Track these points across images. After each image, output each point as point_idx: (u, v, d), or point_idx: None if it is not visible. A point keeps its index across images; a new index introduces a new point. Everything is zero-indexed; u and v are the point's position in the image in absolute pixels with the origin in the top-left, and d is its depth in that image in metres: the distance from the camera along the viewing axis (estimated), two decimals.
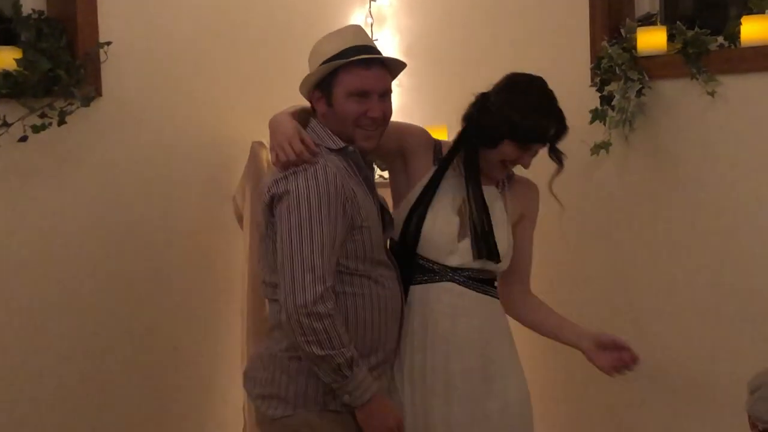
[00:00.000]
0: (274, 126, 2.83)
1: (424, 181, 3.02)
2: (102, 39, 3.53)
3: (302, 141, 2.74)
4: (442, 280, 3.00)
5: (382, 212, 2.91)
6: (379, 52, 2.85)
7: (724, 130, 3.51)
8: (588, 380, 3.94)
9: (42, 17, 3.50)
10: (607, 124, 3.66)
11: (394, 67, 2.89)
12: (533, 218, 3.20)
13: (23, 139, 3.38)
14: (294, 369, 2.77)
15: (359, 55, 2.76)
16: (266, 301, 3.00)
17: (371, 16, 4.21)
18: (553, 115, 3.00)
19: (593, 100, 3.69)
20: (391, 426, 2.78)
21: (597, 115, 3.68)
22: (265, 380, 2.82)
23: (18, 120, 3.36)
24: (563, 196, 3.90)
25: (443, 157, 3.03)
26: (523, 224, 3.18)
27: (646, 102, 3.62)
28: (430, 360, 2.97)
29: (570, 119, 3.77)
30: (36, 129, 3.38)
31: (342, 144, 2.80)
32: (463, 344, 2.99)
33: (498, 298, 3.11)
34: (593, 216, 3.87)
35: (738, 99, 3.46)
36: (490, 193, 3.05)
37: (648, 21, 3.69)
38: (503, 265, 3.07)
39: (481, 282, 3.05)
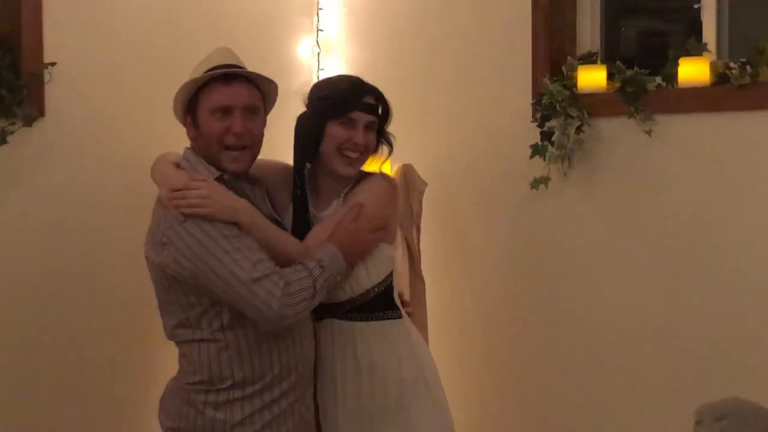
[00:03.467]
0: (160, 178, 2.79)
1: (289, 219, 2.95)
2: (47, 59, 3.52)
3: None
4: (322, 318, 2.95)
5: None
6: (244, 70, 2.81)
7: (661, 168, 3.58)
8: (518, 419, 3.98)
9: None
10: (546, 160, 3.72)
11: (264, 86, 2.86)
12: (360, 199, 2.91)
13: None
14: (201, 401, 2.76)
15: (217, 72, 2.75)
16: None
17: (318, 46, 4.25)
18: (365, 85, 2.95)
19: (534, 135, 3.75)
20: (366, 239, 2.82)
21: (537, 150, 3.73)
22: (173, 412, 2.81)
23: None
24: (503, 227, 3.98)
25: (293, 196, 2.95)
26: None
27: (585, 138, 3.68)
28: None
29: (511, 153, 3.87)
30: None
31: (217, 173, 2.78)
32: (354, 379, 2.95)
33: (390, 318, 3.00)
34: (532, 248, 3.92)
35: (674, 138, 3.54)
36: (332, 210, 2.95)
37: (589, 59, 3.75)
38: (353, 289, 2.93)
39: (360, 309, 2.95)
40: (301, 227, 2.92)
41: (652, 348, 3.62)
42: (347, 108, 2.89)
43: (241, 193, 2.80)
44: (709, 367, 3.49)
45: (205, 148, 2.79)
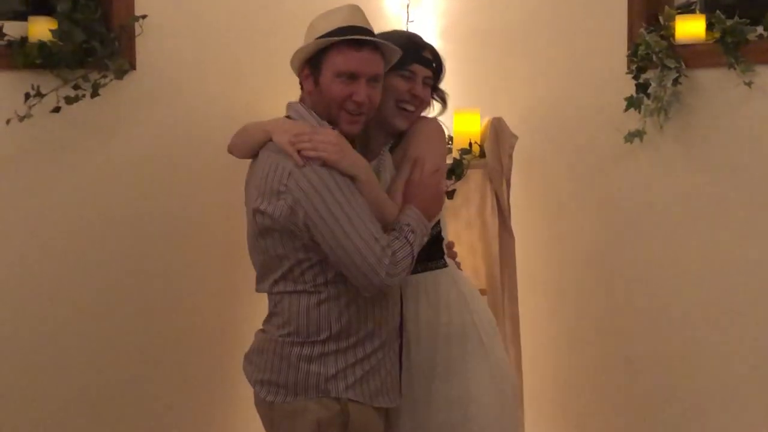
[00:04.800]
0: (274, 127, 2.77)
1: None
2: (137, 12, 3.54)
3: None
4: None
5: None
6: (373, 35, 2.78)
7: (761, 121, 3.49)
8: (609, 370, 3.94)
9: None
10: (642, 112, 3.63)
11: (388, 54, 2.83)
12: (408, 149, 2.92)
13: (56, 110, 3.39)
14: (294, 354, 2.75)
15: (352, 35, 2.71)
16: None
17: None
18: (423, 40, 2.98)
19: (629, 87, 3.66)
20: (439, 192, 2.84)
21: (632, 103, 3.65)
22: (264, 365, 2.81)
23: (52, 91, 3.37)
24: (596, 182, 3.90)
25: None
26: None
27: (682, 91, 3.59)
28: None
29: (605, 106, 3.79)
30: (69, 100, 3.39)
31: (329, 126, 2.75)
32: (411, 333, 2.94)
33: (437, 268, 2.98)
34: (625, 203, 3.85)
35: None
36: (384, 159, 2.94)
37: (687, 9, 3.66)
38: None
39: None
40: None
41: (751, 303, 3.53)
42: (407, 60, 2.88)
43: None
44: None
45: (322, 105, 2.77)
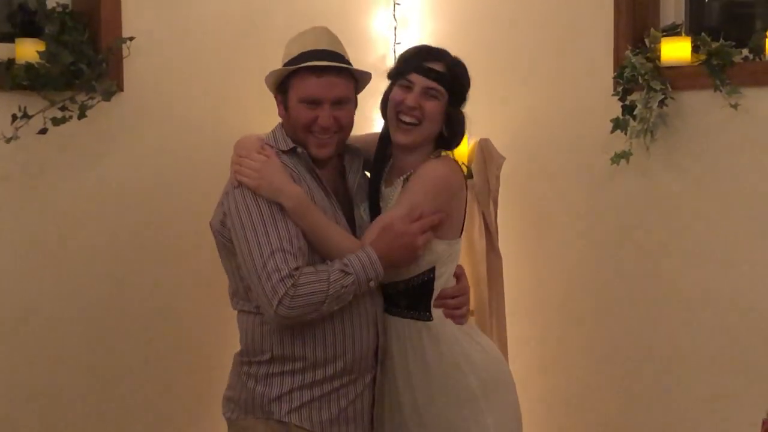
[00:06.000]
0: (237, 143, 2.82)
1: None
2: (125, 34, 3.54)
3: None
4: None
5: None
6: (340, 59, 2.77)
7: (747, 143, 3.49)
8: (598, 393, 3.94)
9: (66, 11, 3.50)
10: (628, 134, 3.64)
11: (358, 75, 2.82)
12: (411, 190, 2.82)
13: (43, 131, 3.38)
14: (244, 372, 2.79)
15: (313, 60, 2.72)
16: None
17: (395, 19, 4.20)
18: (432, 49, 2.87)
19: (615, 109, 3.67)
20: (414, 243, 2.71)
21: (618, 125, 3.66)
22: (229, 382, 2.88)
23: (39, 112, 3.37)
24: (583, 203, 3.91)
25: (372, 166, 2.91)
26: None
27: (669, 112, 3.60)
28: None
29: (591, 127, 3.80)
30: (56, 122, 3.39)
31: (292, 145, 2.78)
32: (392, 379, 2.89)
33: (416, 319, 2.86)
34: (612, 225, 3.85)
35: (761, 112, 3.44)
36: (396, 189, 2.87)
37: (673, 31, 3.66)
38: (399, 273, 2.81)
39: (388, 299, 2.86)
40: (372, 199, 2.90)
41: (746, 317, 3.52)
42: (406, 69, 2.83)
43: (311, 166, 2.78)
44: None
45: (291, 129, 2.80)
